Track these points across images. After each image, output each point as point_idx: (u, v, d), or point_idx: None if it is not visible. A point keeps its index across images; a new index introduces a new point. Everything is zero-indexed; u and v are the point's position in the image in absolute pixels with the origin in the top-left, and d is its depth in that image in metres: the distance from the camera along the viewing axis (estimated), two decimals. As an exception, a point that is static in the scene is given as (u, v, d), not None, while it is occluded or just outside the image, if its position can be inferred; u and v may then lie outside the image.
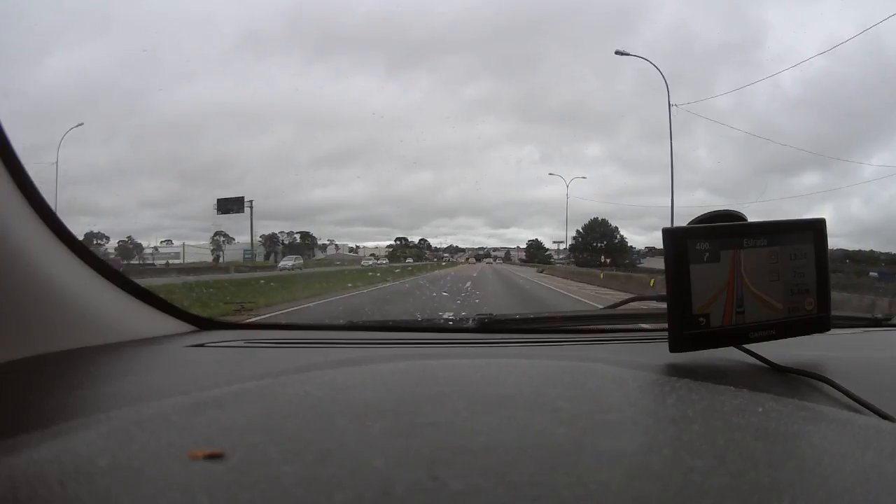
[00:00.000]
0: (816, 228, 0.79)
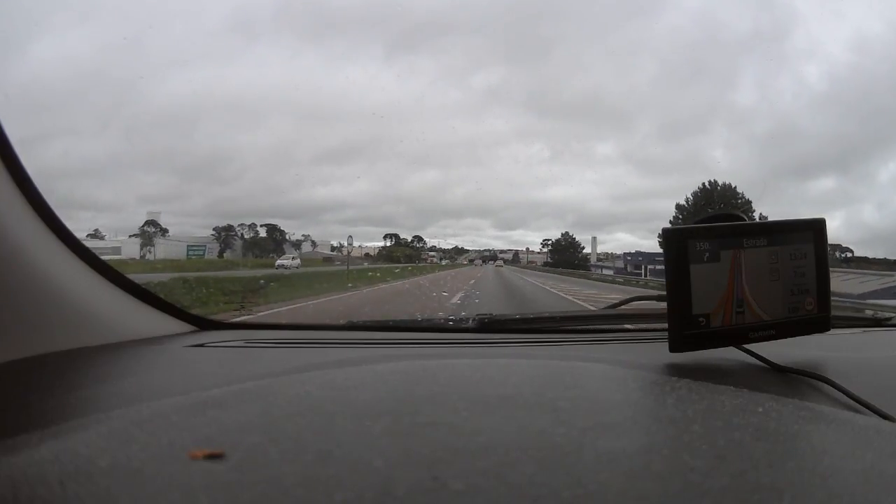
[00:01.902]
0: (816, 228, 0.79)
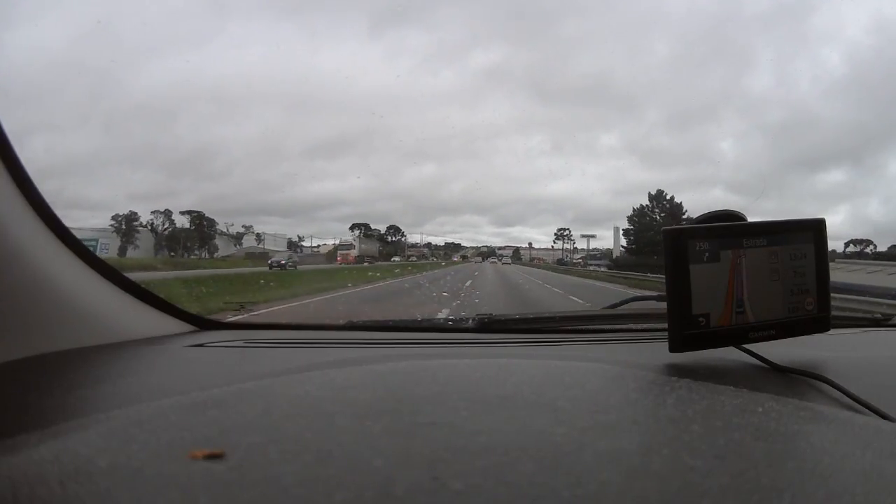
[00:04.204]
0: (816, 228, 0.79)
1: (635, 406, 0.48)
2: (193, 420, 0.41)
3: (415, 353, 0.93)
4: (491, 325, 1.15)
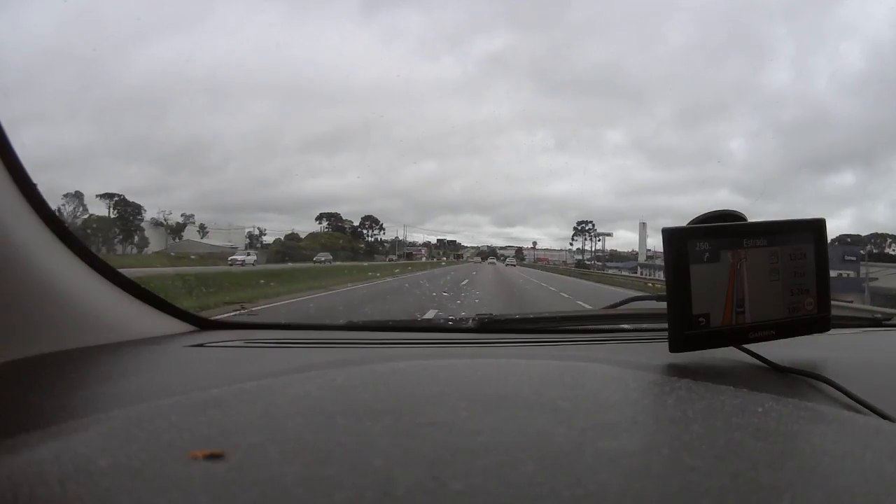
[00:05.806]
0: (816, 228, 0.79)
1: (635, 406, 0.48)
2: (193, 420, 0.41)
3: (415, 353, 0.93)
4: (491, 325, 1.15)
